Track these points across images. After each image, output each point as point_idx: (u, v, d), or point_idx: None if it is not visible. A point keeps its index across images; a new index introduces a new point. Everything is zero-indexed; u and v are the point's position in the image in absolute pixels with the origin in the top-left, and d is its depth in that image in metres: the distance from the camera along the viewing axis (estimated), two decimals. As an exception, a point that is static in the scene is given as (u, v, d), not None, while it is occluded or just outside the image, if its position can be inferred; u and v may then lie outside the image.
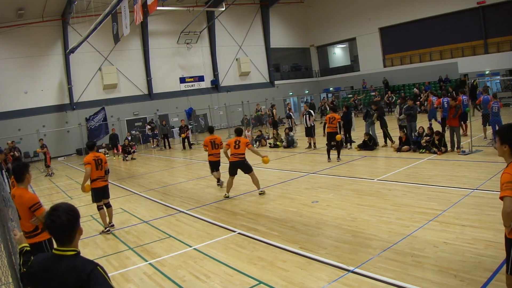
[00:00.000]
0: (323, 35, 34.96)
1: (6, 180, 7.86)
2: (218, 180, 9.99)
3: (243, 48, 32.35)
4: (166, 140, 21.85)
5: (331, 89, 34.92)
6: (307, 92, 34.38)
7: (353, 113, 16.65)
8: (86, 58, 24.86)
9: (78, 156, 22.96)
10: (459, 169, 9.00)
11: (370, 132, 13.25)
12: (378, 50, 30.83)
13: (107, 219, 7.30)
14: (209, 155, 9.85)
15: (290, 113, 19.38)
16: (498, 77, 22.37)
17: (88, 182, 7.05)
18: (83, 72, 25.17)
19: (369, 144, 12.91)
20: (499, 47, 24.12)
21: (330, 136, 11.61)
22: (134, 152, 18.97)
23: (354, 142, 13.93)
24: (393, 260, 4.61)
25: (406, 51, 29.00)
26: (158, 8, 18.18)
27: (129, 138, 20.02)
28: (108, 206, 7.29)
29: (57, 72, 24.55)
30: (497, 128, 10.53)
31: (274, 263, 4.98)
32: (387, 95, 25.64)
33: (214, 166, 9.88)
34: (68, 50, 22.81)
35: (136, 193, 10.54)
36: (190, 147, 19.78)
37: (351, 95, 29.98)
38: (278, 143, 16.49)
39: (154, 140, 23.46)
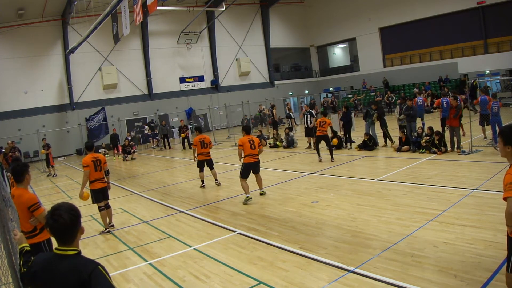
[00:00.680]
0: (323, 35, 34.97)
1: (6, 180, 7.86)
2: (202, 181, 10.22)
3: (243, 48, 32.35)
4: (166, 140, 21.85)
5: (331, 89, 34.92)
6: (307, 92, 34.38)
7: (353, 113, 16.66)
8: (86, 58, 24.87)
9: (78, 156, 22.97)
10: (459, 169, 8.99)
11: (370, 132, 13.25)
12: (378, 50, 30.84)
13: (107, 220, 7.30)
14: (198, 154, 10.07)
15: (290, 113, 19.38)
16: (498, 77, 22.37)
17: (88, 190, 6.97)
18: (83, 72, 25.19)
19: (369, 144, 12.91)
20: (499, 47, 24.12)
21: (320, 139, 11.81)
22: (134, 152, 18.98)
23: (354, 142, 13.93)
24: (393, 260, 4.61)
25: (406, 51, 29.00)
26: (158, 8, 18.19)
27: (129, 138, 20.03)
28: (107, 206, 7.27)
29: (57, 72, 24.57)
30: (497, 128, 10.54)
31: (274, 263, 4.98)
32: (387, 95, 25.64)
33: (205, 165, 10.07)
34: (68, 50, 22.83)
35: (136, 193, 10.54)
36: (190, 147, 19.77)
37: (351, 95, 29.99)
38: (278, 143, 16.49)
39: (154, 140, 23.48)
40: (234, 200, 8.54)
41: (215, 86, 31.03)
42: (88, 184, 7.05)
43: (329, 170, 10.52)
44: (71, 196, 11.20)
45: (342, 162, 11.57)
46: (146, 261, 5.57)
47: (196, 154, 10.16)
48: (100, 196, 7.11)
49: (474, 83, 20.00)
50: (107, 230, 7.14)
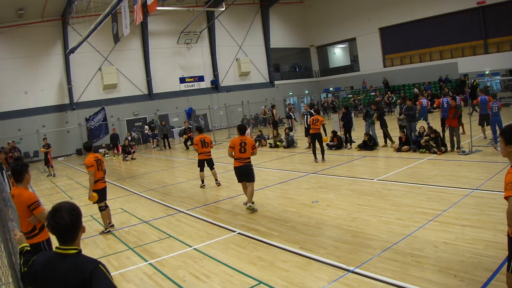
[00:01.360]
0: (323, 35, 34.97)
1: (6, 180, 7.85)
2: (202, 181, 10.22)
3: (243, 48, 32.36)
4: (166, 140, 21.85)
5: (331, 89, 34.93)
6: (307, 92, 34.39)
7: (353, 113, 16.66)
8: (86, 58, 24.88)
9: (78, 156, 22.98)
10: (459, 169, 8.99)
11: (370, 132, 13.26)
12: (378, 50, 30.84)
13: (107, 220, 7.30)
14: (199, 153, 10.10)
15: (290, 113, 19.38)
16: (498, 77, 22.37)
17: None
18: (83, 72, 25.19)
19: (369, 144, 12.92)
20: (499, 47, 24.12)
21: (313, 137, 11.80)
22: (134, 152, 18.98)
23: (354, 142, 13.93)
24: (393, 260, 4.61)
25: (406, 51, 29.01)
26: (158, 8, 18.19)
27: (129, 138, 20.03)
28: (106, 206, 7.27)
29: (57, 72, 24.57)
30: (497, 128, 10.53)
31: (274, 263, 4.98)
32: (387, 95, 25.64)
33: (206, 164, 10.09)
34: (68, 50, 22.82)
35: (136, 193, 10.54)
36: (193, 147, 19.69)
37: (351, 95, 29.99)
38: (278, 143, 16.49)
39: (154, 140, 23.48)
40: (234, 200, 8.54)
41: (215, 86, 31.03)
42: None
43: (329, 170, 10.52)
44: (71, 196, 11.20)
45: (342, 162, 11.57)
46: (146, 261, 5.57)
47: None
48: (101, 196, 7.11)
49: (474, 83, 20.00)
50: (107, 230, 7.14)
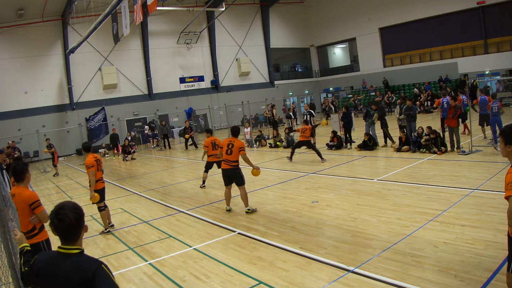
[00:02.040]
0: (323, 35, 34.97)
1: (6, 180, 7.85)
2: (203, 182, 10.23)
3: (243, 48, 32.36)
4: (166, 140, 21.85)
5: (331, 89, 34.93)
6: (307, 92, 34.39)
7: (353, 113, 16.65)
8: (86, 58, 24.88)
9: (78, 156, 22.97)
10: (459, 169, 8.99)
11: (370, 132, 13.26)
12: (378, 50, 30.84)
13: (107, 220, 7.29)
14: (209, 155, 10.02)
15: (290, 113, 19.37)
16: (498, 77, 22.35)
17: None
18: (83, 72, 25.20)
19: (369, 144, 12.92)
20: (499, 47, 24.12)
21: (301, 144, 12.33)
22: (134, 152, 18.98)
23: (354, 142, 13.94)
24: (393, 260, 4.61)
25: (406, 51, 29.01)
26: (158, 8, 18.21)
27: (129, 138, 20.03)
28: (105, 206, 7.27)
29: (57, 72, 24.57)
30: (497, 128, 10.53)
31: (274, 263, 4.98)
32: (387, 95, 25.65)
33: (211, 167, 10.06)
34: (68, 50, 22.83)
35: (136, 193, 10.54)
36: (196, 147, 19.66)
37: (351, 95, 29.98)
38: (278, 143, 16.48)
39: (154, 140, 23.47)
40: (234, 200, 8.52)
41: (215, 86, 31.03)
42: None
43: (329, 170, 10.52)
44: (71, 196, 11.20)
45: (342, 162, 11.57)
46: (146, 261, 5.57)
47: (206, 156, 10.14)
48: (101, 196, 7.11)
49: (474, 83, 19.98)
50: (107, 230, 7.14)
